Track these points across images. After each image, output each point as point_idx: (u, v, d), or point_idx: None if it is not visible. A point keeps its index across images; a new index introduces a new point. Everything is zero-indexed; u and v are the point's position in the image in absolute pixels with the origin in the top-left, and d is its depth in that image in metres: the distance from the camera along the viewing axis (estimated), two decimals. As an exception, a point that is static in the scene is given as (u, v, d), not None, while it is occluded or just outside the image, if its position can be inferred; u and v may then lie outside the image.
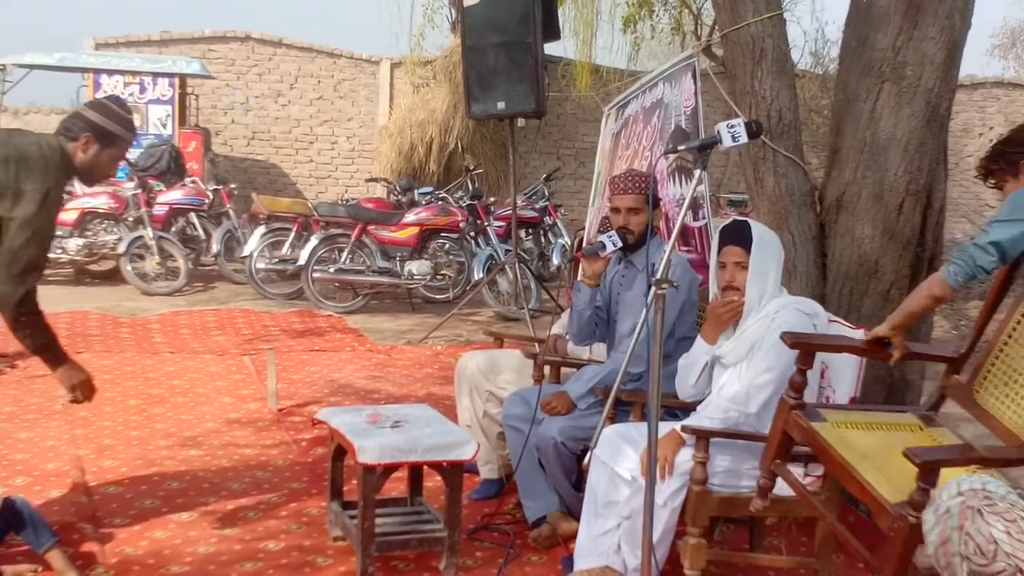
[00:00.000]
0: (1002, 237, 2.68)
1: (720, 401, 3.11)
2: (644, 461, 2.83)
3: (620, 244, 3.51)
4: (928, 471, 2.17)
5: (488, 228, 9.24)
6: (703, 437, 2.97)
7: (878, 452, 2.55)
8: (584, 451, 3.37)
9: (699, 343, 3.28)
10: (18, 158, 3.06)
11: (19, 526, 3.10)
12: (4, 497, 3.11)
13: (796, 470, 3.12)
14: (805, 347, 2.78)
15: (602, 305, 3.73)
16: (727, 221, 3.26)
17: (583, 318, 3.69)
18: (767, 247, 3.16)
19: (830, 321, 3.22)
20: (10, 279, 3.04)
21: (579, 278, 3.67)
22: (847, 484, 2.53)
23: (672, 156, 4.93)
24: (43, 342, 3.21)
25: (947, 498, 1.74)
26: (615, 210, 3.64)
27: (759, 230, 3.16)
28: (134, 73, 11.34)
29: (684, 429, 3.02)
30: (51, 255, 9.01)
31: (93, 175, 3.28)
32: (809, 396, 3.14)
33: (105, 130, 3.19)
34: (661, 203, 3.66)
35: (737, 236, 3.14)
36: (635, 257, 3.67)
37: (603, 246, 3.49)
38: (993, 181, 3.16)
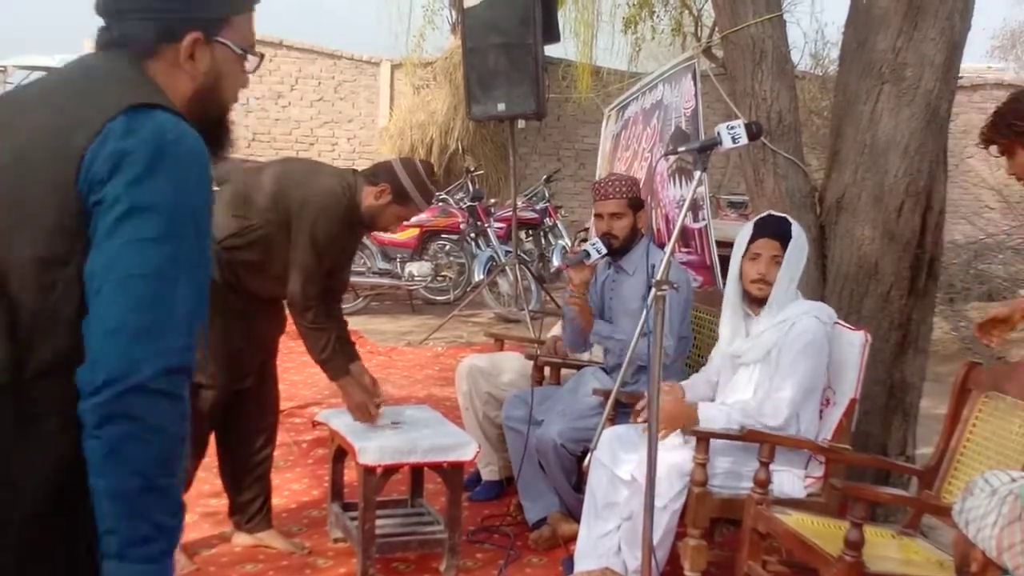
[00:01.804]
0: None
1: (733, 413, 3.08)
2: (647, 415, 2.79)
3: (604, 251, 3.52)
4: (856, 501, 2.52)
5: (488, 229, 9.23)
6: (703, 439, 2.97)
7: (833, 536, 2.66)
8: (584, 453, 3.37)
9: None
10: (301, 197, 3.18)
11: None
12: None
13: (795, 471, 3.13)
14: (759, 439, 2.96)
15: (594, 311, 3.74)
16: (763, 214, 3.25)
17: (575, 326, 3.70)
18: (801, 248, 3.16)
19: (834, 323, 3.22)
20: (298, 290, 3.21)
21: (567, 288, 3.69)
22: (797, 552, 2.71)
23: (672, 158, 4.93)
24: (316, 358, 3.34)
25: (1003, 484, 1.79)
26: (598, 216, 3.66)
27: (797, 228, 3.16)
28: (135, 75, 11.35)
29: (684, 431, 3.02)
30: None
31: (375, 223, 3.35)
32: (810, 397, 3.15)
33: (403, 189, 3.26)
34: (646, 204, 3.69)
35: (775, 230, 3.13)
36: (623, 261, 3.67)
37: (587, 255, 3.51)
38: (999, 150, 2.94)
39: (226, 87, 1.51)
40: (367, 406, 3.35)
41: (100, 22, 1.47)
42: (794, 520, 2.81)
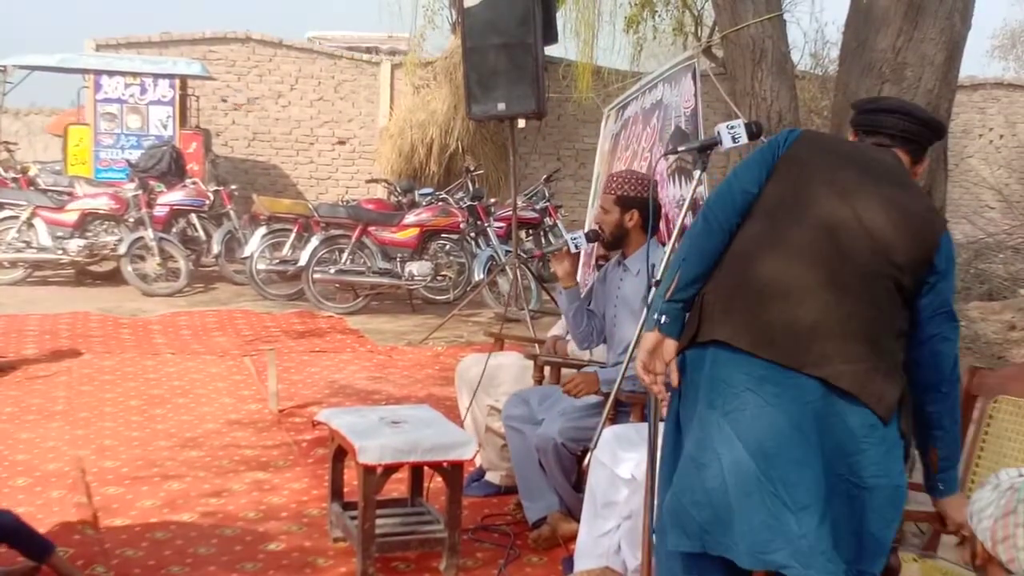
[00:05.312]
0: None
1: None
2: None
3: (582, 245, 3.60)
4: None
5: (488, 229, 9.23)
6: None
7: None
8: (584, 452, 3.37)
9: None
10: None
11: (17, 541, 3.05)
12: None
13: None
14: None
15: (595, 309, 3.75)
16: None
17: (569, 319, 3.73)
18: None
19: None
20: None
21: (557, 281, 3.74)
22: None
23: (672, 157, 4.93)
24: None
25: (1009, 478, 1.81)
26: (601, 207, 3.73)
27: None
28: (135, 74, 11.34)
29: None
30: (52, 256, 9.15)
31: None
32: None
33: None
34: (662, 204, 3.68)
35: None
36: (629, 260, 3.68)
37: (567, 245, 3.59)
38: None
39: None
40: None
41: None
42: None
